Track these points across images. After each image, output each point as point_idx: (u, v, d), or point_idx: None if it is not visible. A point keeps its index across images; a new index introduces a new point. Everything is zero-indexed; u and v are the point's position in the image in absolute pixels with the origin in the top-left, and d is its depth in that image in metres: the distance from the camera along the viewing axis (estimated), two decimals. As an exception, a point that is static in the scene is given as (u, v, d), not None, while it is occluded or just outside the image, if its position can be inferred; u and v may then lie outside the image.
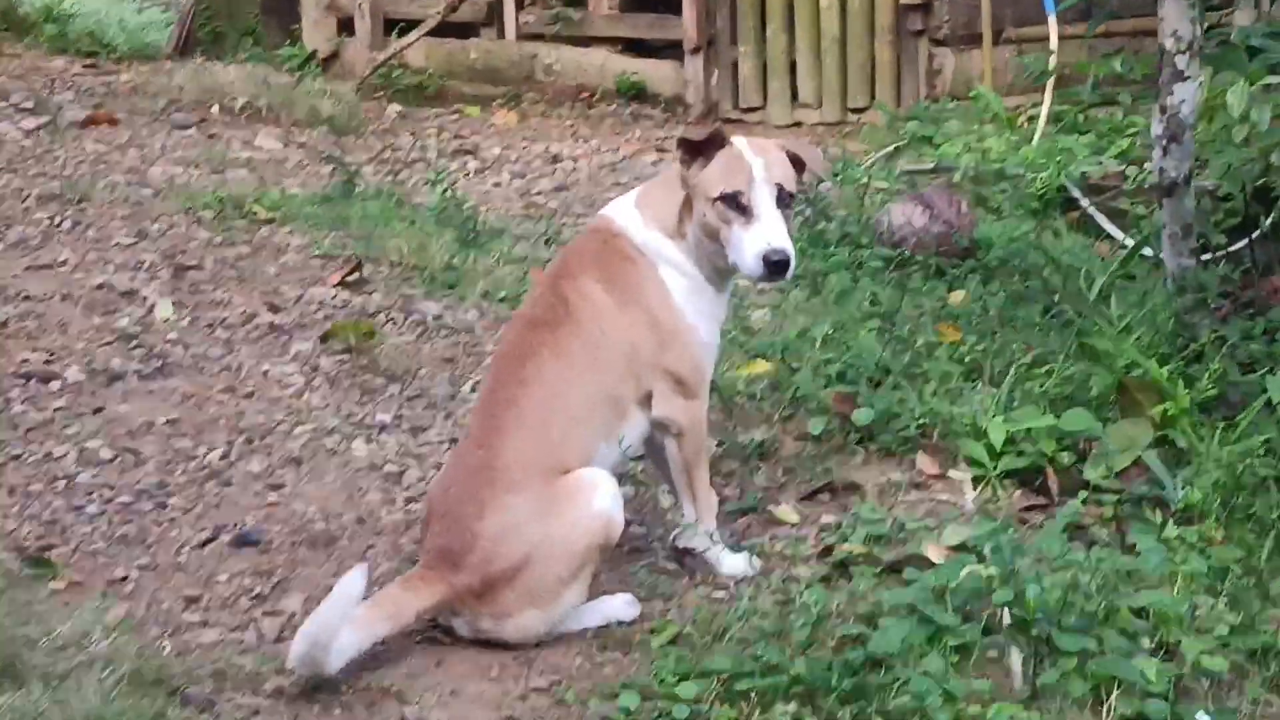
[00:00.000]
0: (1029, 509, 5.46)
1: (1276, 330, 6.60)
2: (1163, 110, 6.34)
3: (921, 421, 5.80)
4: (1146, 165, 8.92)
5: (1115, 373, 5.84)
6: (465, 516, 4.46)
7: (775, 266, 4.56)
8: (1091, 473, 5.57)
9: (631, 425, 4.73)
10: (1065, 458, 5.65)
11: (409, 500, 5.37)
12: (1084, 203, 8.51)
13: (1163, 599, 4.55)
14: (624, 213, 4.81)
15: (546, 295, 4.76)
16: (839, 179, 8.44)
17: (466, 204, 8.01)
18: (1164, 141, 6.34)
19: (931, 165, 9.23)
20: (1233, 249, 8.27)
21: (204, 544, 5.03)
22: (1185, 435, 5.68)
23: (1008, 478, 5.63)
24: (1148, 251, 7.50)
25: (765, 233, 4.57)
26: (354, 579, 4.26)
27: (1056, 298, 6.98)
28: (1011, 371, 6.00)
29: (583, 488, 4.50)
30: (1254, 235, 7.90)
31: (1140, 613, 4.60)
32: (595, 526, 4.48)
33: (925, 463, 5.69)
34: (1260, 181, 7.79)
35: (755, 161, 4.63)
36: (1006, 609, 4.49)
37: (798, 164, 4.76)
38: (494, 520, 4.44)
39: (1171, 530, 5.08)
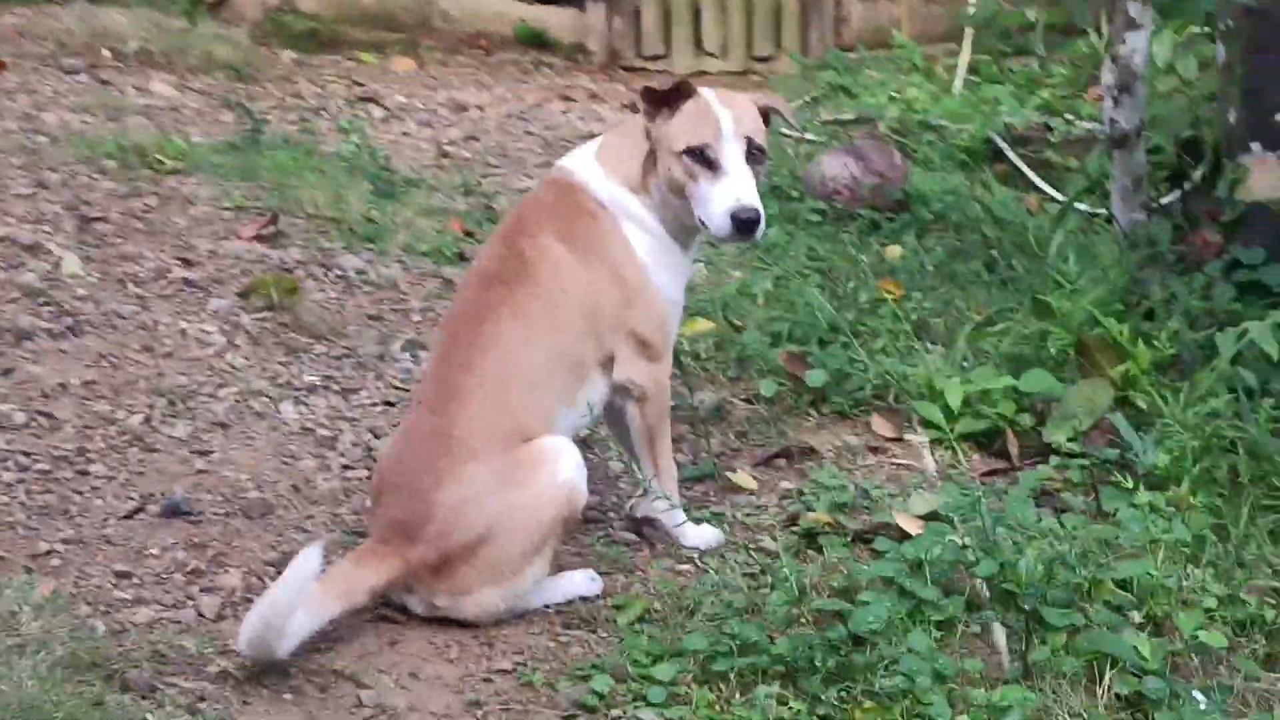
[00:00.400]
0: (990, 473, 5.28)
1: (1211, 286, 6.42)
2: (1114, 60, 6.15)
3: (875, 383, 5.59)
4: (1069, 117, 8.81)
5: (1072, 332, 5.64)
6: (421, 487, 4.18)
7: (744, 225, 4.31)
8: (1052, 435, 5.40)
9: (592, 389, 4.48)
10: (1024, 420, 5.45)
11: (345, 467, 5.09)
12: (1011, 155, 8.32)
13: (1148, 569, 4.36)
14: (583, 165, 4.53)
15: (502, 251, 4.48)
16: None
17: (378, 154, 7.68)
18: (1115, 91, 6.15)
19: (854, 115, 9.01)
20: (1164, 202, 8.17)
21: (131, 514, 4.71)
22: (1146, 396, 5.50)
23: (965, 440, 5.44)
24: (1082, 206, 7.33)
25: (734, 189, 4.32)
26: (309, 558, 3.99)
27: (996, 253, 6.79)
28: (964, 330, 5.78)
29: (545, 457, 4.24)
30: (1184, 189, 7.76)
31: (1122, 584, 4.40)
32: (559, 497, 4.23)
33: (881, 425, 5.49)
34: (1190, 134, 7.67)
35: (723, 113, 4.38)
36: (986, 582, 4.28)
37: (766, 118, 4.51)
38: (452, 490, 4.17)
39: (1143, 496, 4.89)
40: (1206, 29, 6.98)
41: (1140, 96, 6.16)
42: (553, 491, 4.22)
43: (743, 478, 5.10)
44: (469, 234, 7.19)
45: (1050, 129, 8.68)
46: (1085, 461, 5.16)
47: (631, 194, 4.48)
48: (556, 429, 4.35)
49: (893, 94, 9.19)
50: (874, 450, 5.36)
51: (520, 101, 9.93)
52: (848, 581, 4.34)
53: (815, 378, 5.54)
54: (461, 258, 6.86)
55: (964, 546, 4.32)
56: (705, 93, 4.43)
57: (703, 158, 4.34)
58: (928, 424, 5.49)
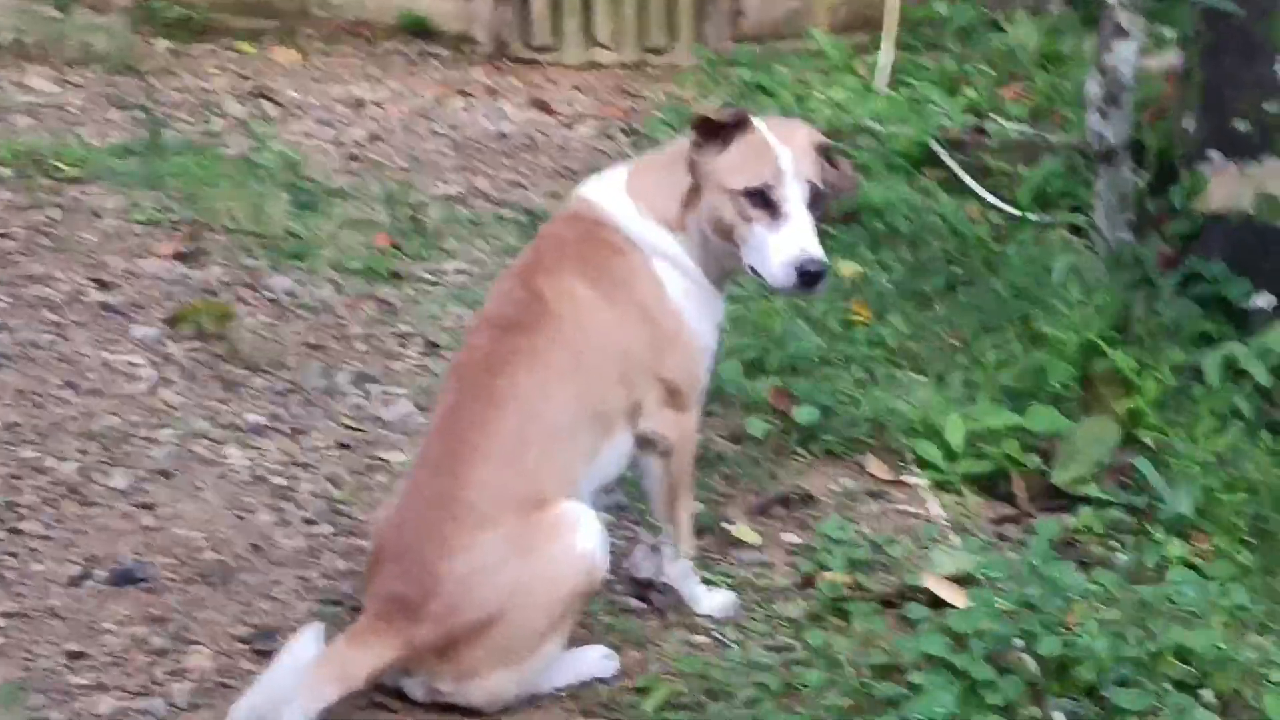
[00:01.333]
0: (1001, 520, 4.91)
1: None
2: (1102, 71, 5.81)
3: (867, 418, 5.21)
4: (997, 119, 8.49)
5: (1072, 363, 5.29)
6: (426, 558, 3.73)
7: (809, 278, 3.90)
8: (1061, 477, 5.04)
9: (618, 443, 4.05)
10: (1030, 459, 5.09)
11: (306, 521, 4.63)
12: (950, 162, 7.98)
13: (1214, 640, 4.01)
14: (612, 198, 4.11)
15: (518, 293, 4.03)
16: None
17: (291, 160, 7.19)
18: (1102, 104, 5.81)
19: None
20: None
21: (77, 581, 4.21)
22: (1152, 432, 5.17)
23: (968, 482, 5.07)
24: (1033, 217, 7.02)
25: (797, 237, 3.92)
26: (307, 642, 3.55)
27: (960, 269, 6.44)
28: (955, 360, 5.42)
29: (563, 524, 3.81)
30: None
31: (1179, 653, 4.05)
32: (579, 570, 3.80)
33: (876, 467, 5.12)
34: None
35: (784, 152, 3.97)
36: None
37: (826, 156, 4.13)
38: (461, 562, 3.72)
39: (1175, 547, 4.57)
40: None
41: (1128, 109, 5.85)
42: (572, 563, 3.79)
43: (744, 530, 4.70)
44: (397, 247, 6.71)
45: (985, 133, 8.33)
46: (1105, 508, 4.82)
47: (667, 231, 4.06)
48: (578, 490, 3.91)
49: (806, 92, 8.78)
50: (873, 495, 4.99)
51: (417, 97, 9.40)
52: (889, 658, 3.94)
53: (805, 415, 5.15)
54: (396, 276, 6.39)
55: (1013, 616, 3.92)
56: (761, 125, 4.02)
57: (763, 200, 3.94)
58: (924, 464, 5.11)
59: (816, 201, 4.00)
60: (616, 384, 3.99)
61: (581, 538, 3.80)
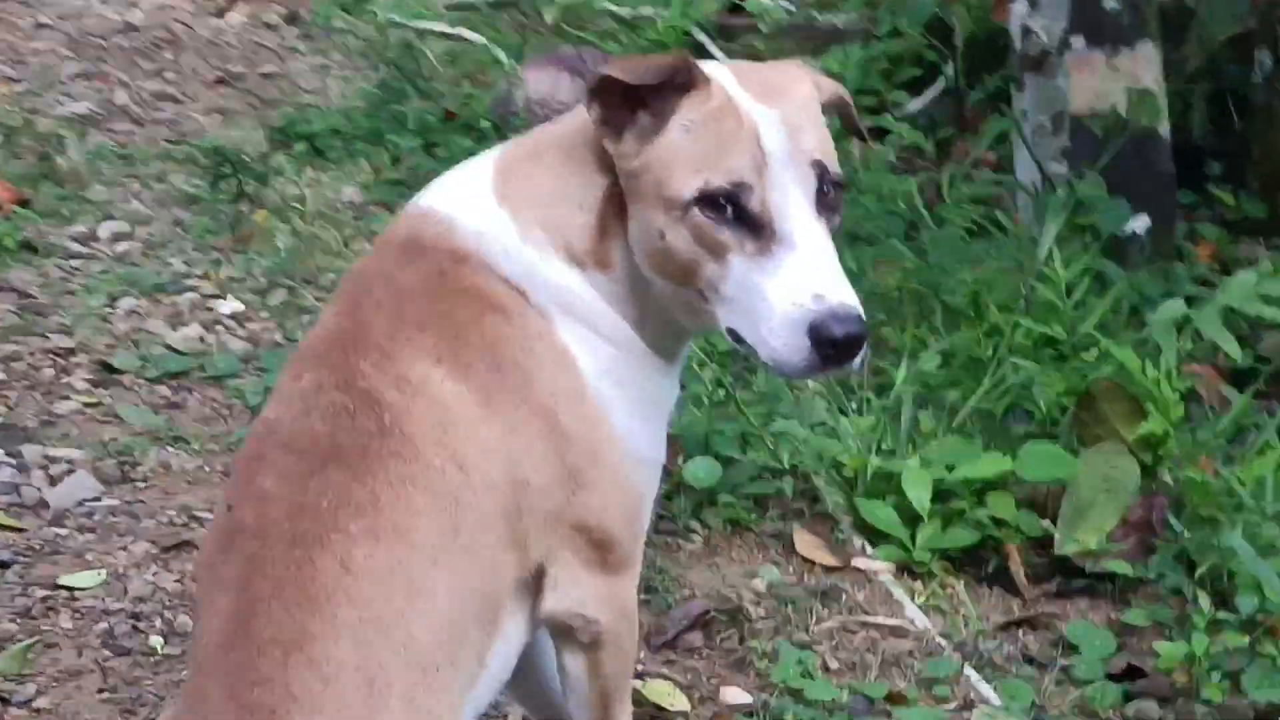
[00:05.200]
0: (1009, 625, 3.31)
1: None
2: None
3: (781, 467, 3.55)
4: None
5: (1063, 373, 3.71)
6: None
7: (837, 348, 2.15)
8: (1070, 545, 3.46)
9: (504, 641, 2.28)
10: (1023, 518, 3.50)
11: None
12: (719, 54, 6.33)
13: None
14: (476, 213, 2.29)
15: (332, 392, 2.20)
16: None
17: None
18: (1030, -11, 4.21)
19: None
20: (911, 109, 6.44)
21: None
22: (1175, 470, 3.64)
23: (939, 559, 3.46)
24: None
25: (807, 274, 2.16)
26: None
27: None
28: (900, 375, 3.77)
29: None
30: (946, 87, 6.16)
31: None
32: None
33: (808, 545, 3.45)
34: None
35: (767, 119, 2.20)
36: None
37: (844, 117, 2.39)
38: None
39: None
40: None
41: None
42: None
43: (656, 689, 2.99)
44: (25, 203, 4.81)
45: (753, 15, 6.70)
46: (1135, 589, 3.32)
47: (576, 271, 2.27)
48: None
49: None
50: (817, 595, 3.33)
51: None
52: None
53: (699, 473, 3.46)
54: (29, 248, 4.50)
55: None
56: (718, 76, 2.25)
57: (736, 212, 2.17)
58: (874, 534, 3.48)
59: (833, 203, 2.26)
60: (504, 544, 2.22)
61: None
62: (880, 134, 5.71)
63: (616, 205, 2.26)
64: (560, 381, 2.25)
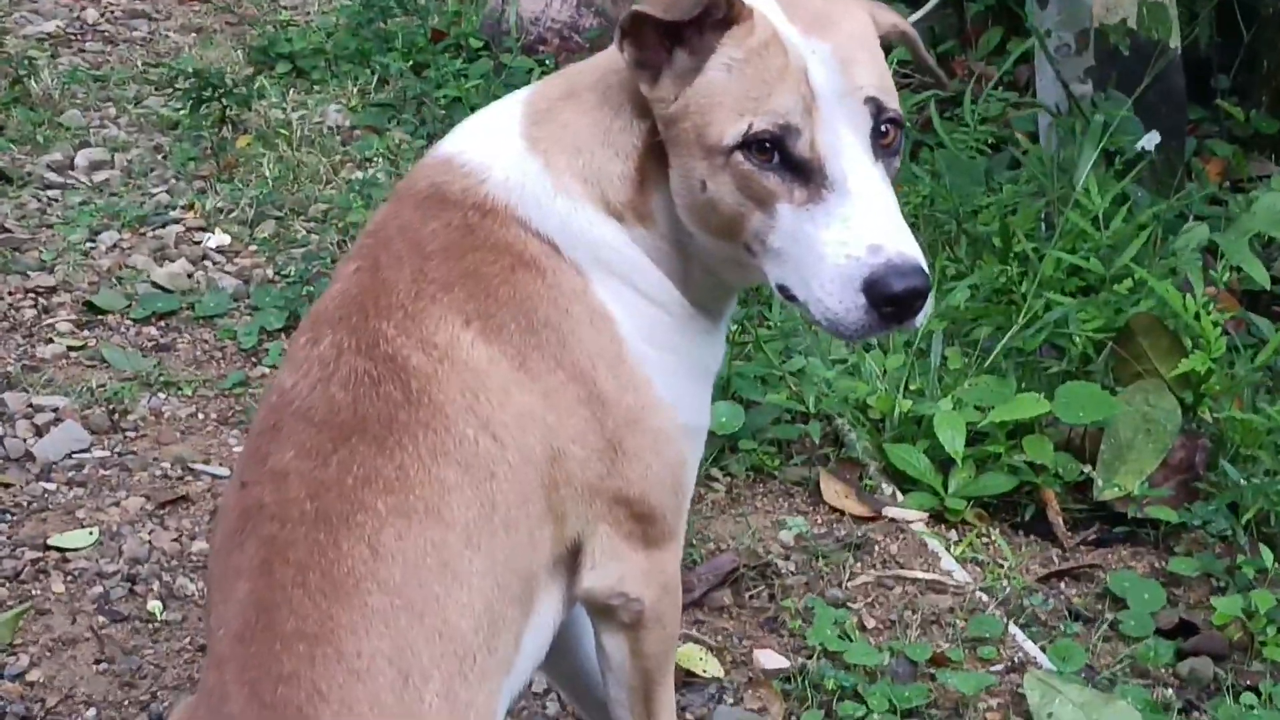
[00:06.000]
0: (1049, 576, 3.15)
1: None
2: None
3: (807, 409, 3.38)
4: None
5: (1097, 307, 3.53)
6: None
7: (897, 303, 1.95)
8: (1109, 490, 3.30)
9: (539, 622, 2.11)
10: (1060, 461, 3.34)
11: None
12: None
13: None
14: (506, 160, 2.10)
15: (353, 358, 2.02)
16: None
17: None
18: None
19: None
20: (913, 19, 6.23)
21: None
22: (1213, 407, 3.48)
23: (972, 504, 3.29)
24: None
25: (864, 222, 1.96)
26: None
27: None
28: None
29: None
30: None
31: None
32: None
33: (837, 494, 3.29)
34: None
35: (817, 51, 2.01)
36: None
37: (888, 48, 2.17)
38: None
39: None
40: None
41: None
42: None
43: (690, 655, 2.82)
44: (-3, 129, 4.64)
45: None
46: (1178, 533, 3.18)
47: (614, 224, 2.08)
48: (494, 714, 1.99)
49: None
50: (848, 546, 3.16)
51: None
52: None
53: (720, 417, 3.28)
54: (4, 178, 4.35)
55: None
56: (762, 6, 2.04)
57: (783, 157, 1.98)
58: (904, 480, 3.31)
59: (893, 144, 2.06)
60: (542, 517, 2.05)
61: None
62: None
63: (657, 153, 2.06)
64: (598, 343, 2.06)
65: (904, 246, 1.94)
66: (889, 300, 1.93)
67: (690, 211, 2.04)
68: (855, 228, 1.96)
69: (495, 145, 2.10)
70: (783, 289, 2.02)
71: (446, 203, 2.08)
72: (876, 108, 2.00)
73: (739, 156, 1.97)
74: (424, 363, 2.00)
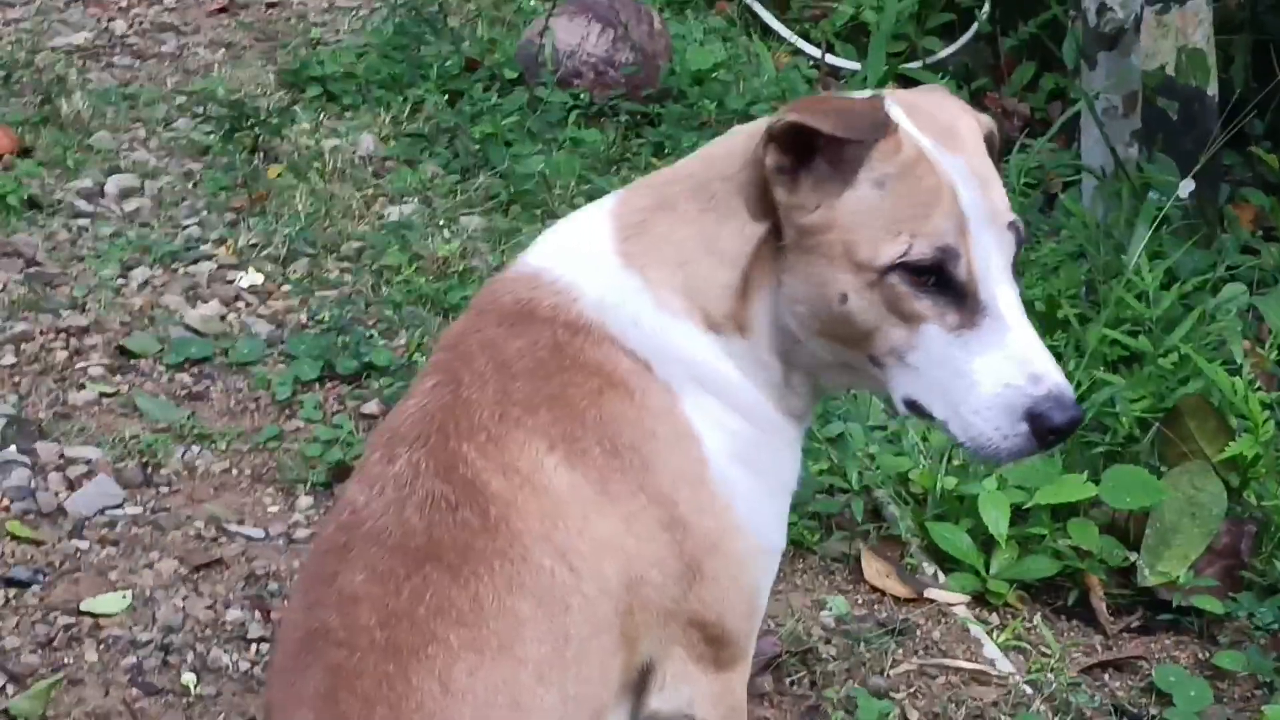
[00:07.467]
0: (1093, 667, 3.11)
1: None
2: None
3: (847, 487, 3.35)
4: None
5: (1143, 383, 3.49)
6: None
7: (1053, 432, 1.94)
8: (1154, 577, 3.27)
9: None
10: (1107, 546, 3.30)
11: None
12: (765, 15, 6.12)
13: None
14: (596, 275, 2.05)
15: (429, 480, 1.98)
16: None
17: None
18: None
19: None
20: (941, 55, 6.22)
21: None
22: (1259, 491, 3.44)
23: (1014, 586, 3.26)
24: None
25: (1018, 351, 1.95)
26: None
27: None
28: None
29: None
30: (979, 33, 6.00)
31: None
32: None
33: (878, 574, 3.25)
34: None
35: (959, 170, 1.97)
36: None
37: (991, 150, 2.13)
38: None
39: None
40: None
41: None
42: None
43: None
44: (26, 152, 4.58)
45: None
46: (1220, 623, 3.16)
47: (709, 335, 2.04)
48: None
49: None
50: (892, 631, 3.11)
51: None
52: None
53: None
54: (34, 205, 4.27)
55: None
56: (902, 119, 1.99)
57: (940, 279, 1.94)
58: (946, 559, 3.27)
59: (1019, 265, 2.04)
60: (615, 646, 2.01)
61: None
62: (909, 84, 5.48)
63: (764, 258, 2.02)
64: (682, 464, 2.03)
65: (1060, 377, 1.95)
66: (1053, 431, 1.92)
67: (814, 320, 2.00)
68: (1014, 358, 1.94)
69: (587, 261, 2.06)
70: (912, 404, 1.99)
71: (535, 320, 2.03)
72: (1016, 232, 1.98)
73: (894, 277, 1.94)
74: (504, 488, 1.96)
